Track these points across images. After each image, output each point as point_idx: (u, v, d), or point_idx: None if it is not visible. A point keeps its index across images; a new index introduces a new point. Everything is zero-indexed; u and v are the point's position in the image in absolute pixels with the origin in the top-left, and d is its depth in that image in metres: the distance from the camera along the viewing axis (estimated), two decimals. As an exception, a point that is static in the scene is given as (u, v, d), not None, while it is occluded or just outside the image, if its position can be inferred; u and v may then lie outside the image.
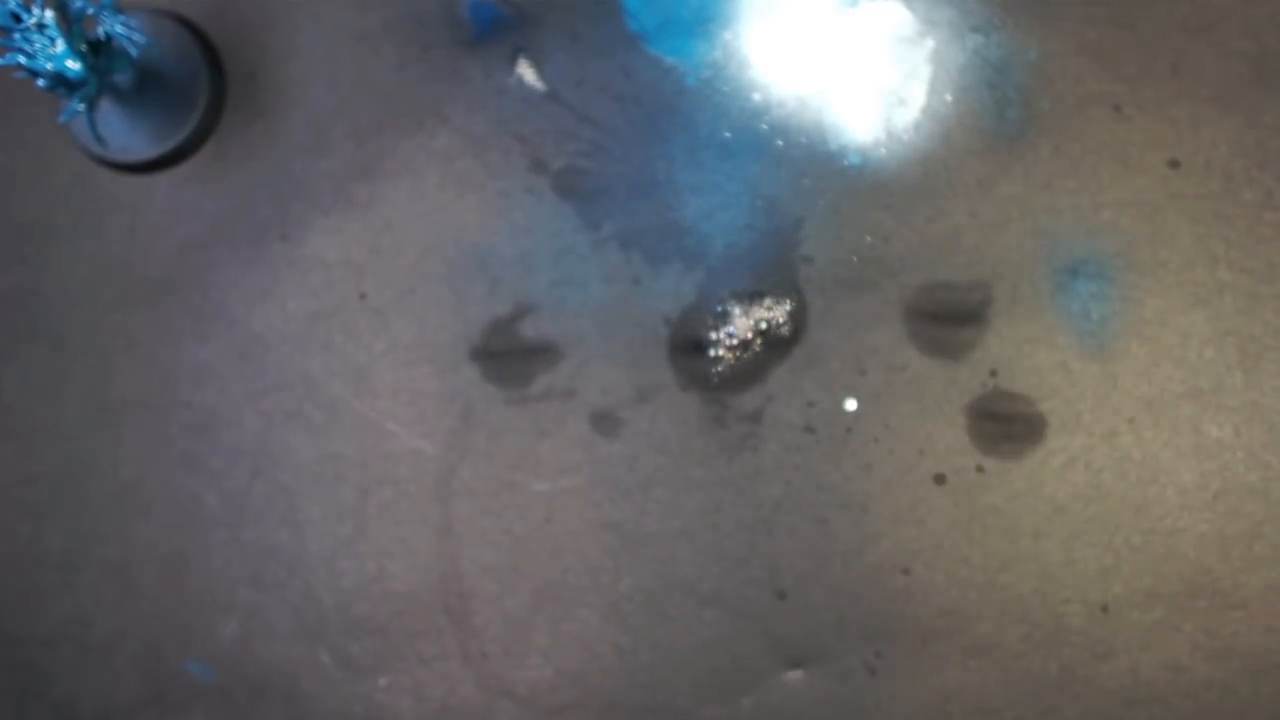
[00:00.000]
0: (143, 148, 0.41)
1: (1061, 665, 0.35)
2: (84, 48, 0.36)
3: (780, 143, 0.36)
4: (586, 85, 0.37)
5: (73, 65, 0.36)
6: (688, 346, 0.36)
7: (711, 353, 0.36)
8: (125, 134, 0.42)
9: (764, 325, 0.36)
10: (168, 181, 0.40)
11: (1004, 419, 0.35)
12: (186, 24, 0.44)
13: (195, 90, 0.42)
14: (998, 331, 0.35)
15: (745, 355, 0.36)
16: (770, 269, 0.36)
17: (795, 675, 0.36)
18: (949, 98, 0.35)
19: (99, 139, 0.38)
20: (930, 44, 0.36)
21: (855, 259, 0.36)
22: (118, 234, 0.41)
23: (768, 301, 0.36)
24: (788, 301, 0.36)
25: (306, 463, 0.41)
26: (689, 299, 0.36)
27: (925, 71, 0.36)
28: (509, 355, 0.37)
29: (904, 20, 0.36)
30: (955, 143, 0.35)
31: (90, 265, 0.40)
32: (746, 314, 0.36)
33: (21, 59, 0.35)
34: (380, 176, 0.38)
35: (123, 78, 0.38)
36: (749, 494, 0.36)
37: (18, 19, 0.35)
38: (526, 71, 0.37)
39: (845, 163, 0.36)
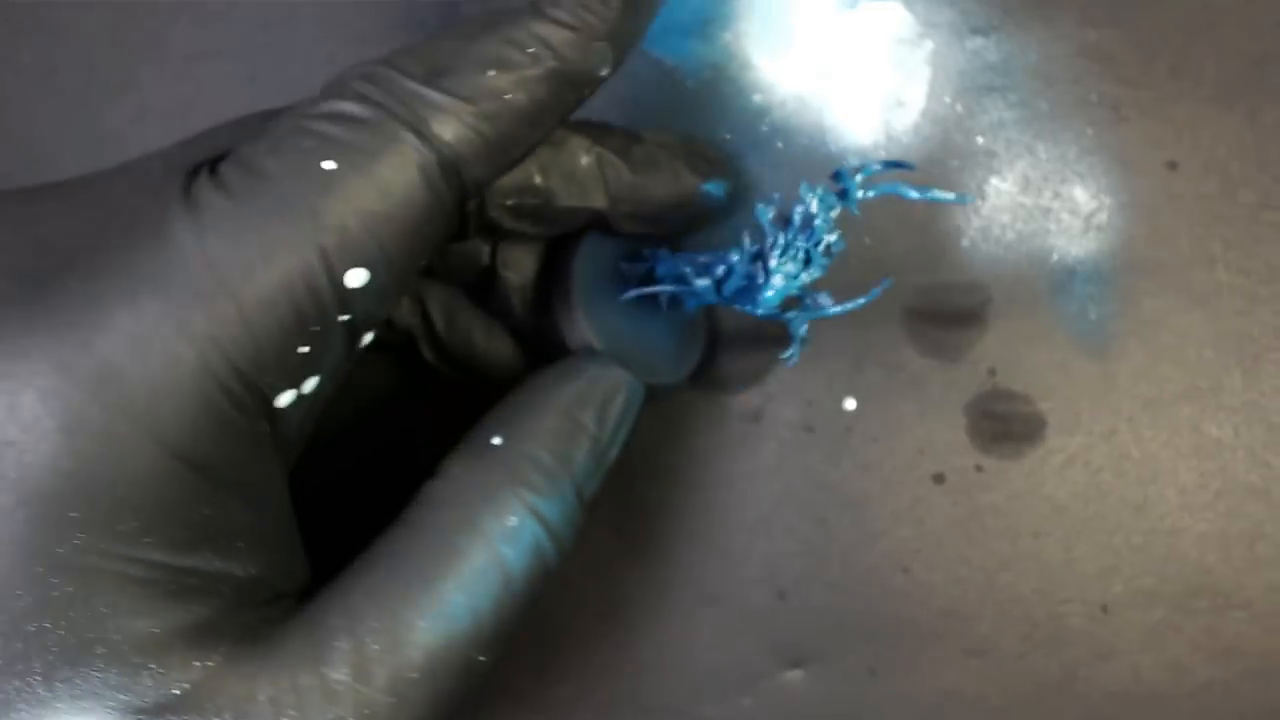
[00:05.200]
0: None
1: (1062, 665, 0.35)
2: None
3: (780, 144, 0.36)
4: (587, 87, 0.37)
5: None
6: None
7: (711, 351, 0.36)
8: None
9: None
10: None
11: (1003, 418, 0.35)
12: None
13: None
14: (996, 331, 0.35)
15: (744, 354, 0.36)
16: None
17: (795, 675, 0.36)
18: (948, 100, 0.35)
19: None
20: (930, 46, 0.36)
21: (854, 260, 0.36)
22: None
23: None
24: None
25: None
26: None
27: (925, 74, 0.36)
28: (510, 357, 0.37)
29: (904, 22, 0.36)
30: (955, 145, 0.35)
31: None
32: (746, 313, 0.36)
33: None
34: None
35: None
36: (749, 494, 0.36)
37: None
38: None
39: (845, 164, 0.36)
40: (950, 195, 0.29)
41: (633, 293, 0.31)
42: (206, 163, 0.23)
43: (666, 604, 0.36)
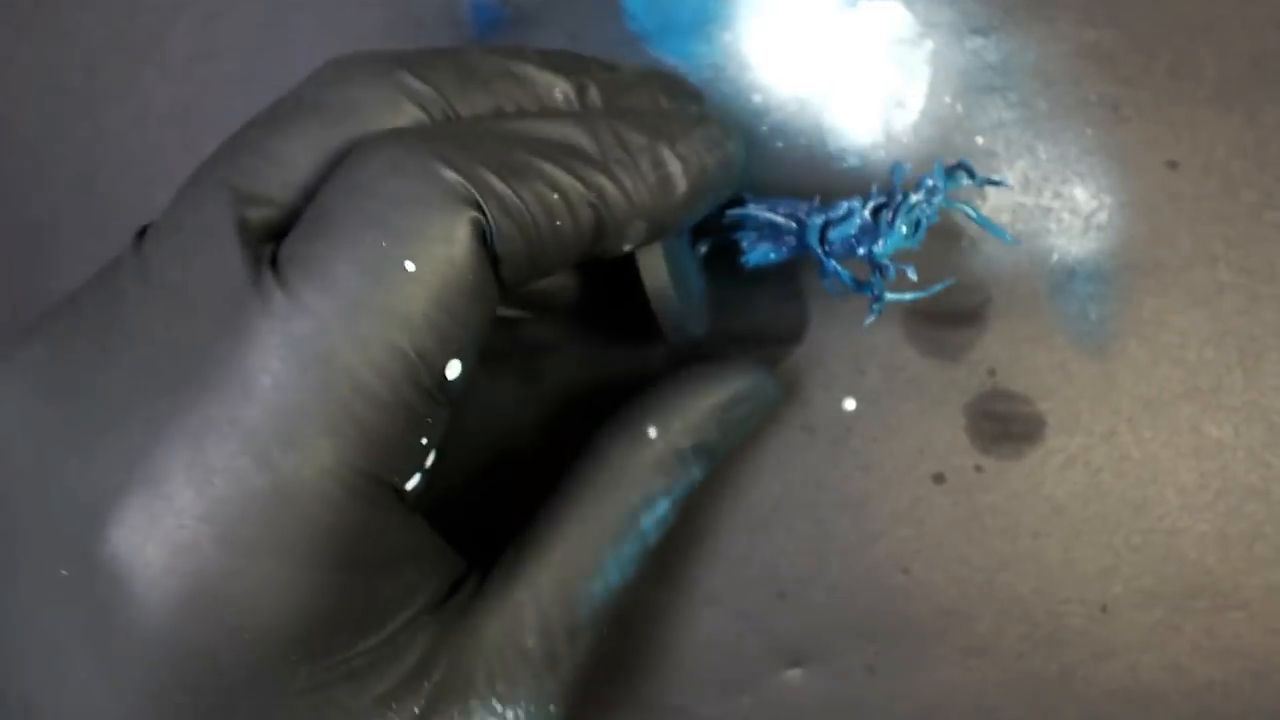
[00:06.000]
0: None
1: (1061, 665, 0.35)
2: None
3: (780, 144, 0.36)
4: (587, 87, 0.37)
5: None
6: (688, 346, 0.36)
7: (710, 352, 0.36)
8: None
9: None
10: (170, 183, 0.41)
11: (1003, 419, 0.35)
12: None
13: None
14: (996, 331, 0.35)
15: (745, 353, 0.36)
16: (769, 269, 0.36)
17: (794, 674, 0.36)
18: (948, 100, 0.35)
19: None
20: (930, 46, 0.36)
21: (854, 259, 0.36)
22: (121, 236, 0.41)
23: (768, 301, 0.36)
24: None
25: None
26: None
27: (925, 74, 0.36)
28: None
29: (904, 22, 0.36)
30: (954, 145, 0.35)
31: (94, 268, 0.41)
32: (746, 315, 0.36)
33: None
34: (382, 178, 0.38)
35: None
36: (748, 493, 0.36)
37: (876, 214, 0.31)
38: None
39: (844, 165, 0.36)
40: (1005, 234, 0.33)
41: (739, 212, 0.32)
42: (269, 255, 0.22)
43: (666, 603, 0.36)
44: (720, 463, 0.31)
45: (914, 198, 0.31)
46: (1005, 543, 0.35)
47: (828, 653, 0.35)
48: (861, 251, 0.31)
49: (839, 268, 0.31)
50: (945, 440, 0.35)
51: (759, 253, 0.33)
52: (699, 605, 0.36)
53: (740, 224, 0.33)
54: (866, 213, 0.31)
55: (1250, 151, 0.34)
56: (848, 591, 0.35)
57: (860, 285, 0.32)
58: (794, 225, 0.32)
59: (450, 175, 0.22)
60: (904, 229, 0.31)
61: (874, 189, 0.31)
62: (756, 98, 0.36)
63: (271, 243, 0.23)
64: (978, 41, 0.35)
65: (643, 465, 0.28)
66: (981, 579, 0.35)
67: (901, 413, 0.35)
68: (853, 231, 0.31)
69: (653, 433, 0.29)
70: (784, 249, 0.33)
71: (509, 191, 0.22)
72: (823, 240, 0.31)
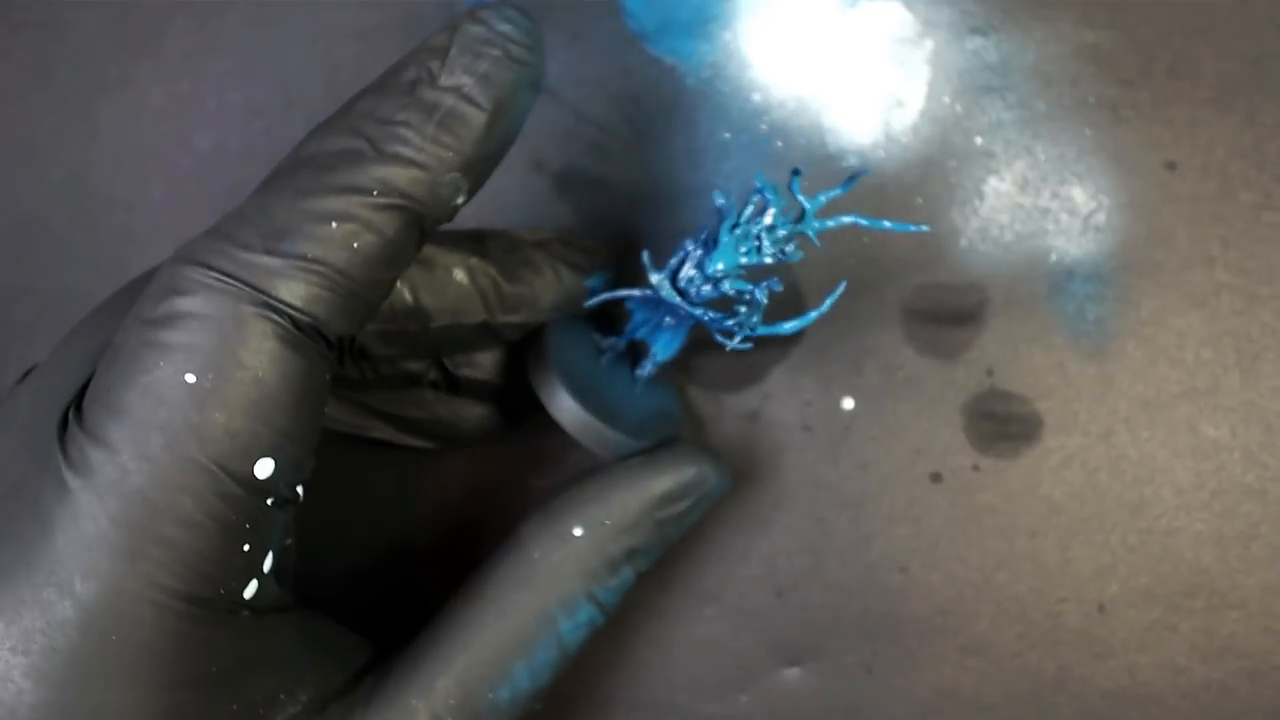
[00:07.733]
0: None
1: (1058, 664, 0.35)
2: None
3: (779, 144, 0.36)
4: (586, 85, 0.37)
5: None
6: (687, 346, 0.36)
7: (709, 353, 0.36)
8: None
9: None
10: (164, 179, 0.41)
11: (1000, 418, 0.35)
12: None
13: None
14: (994, 331, 0.35)
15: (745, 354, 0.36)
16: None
17: (793, 673, 0.36)
18: (947, 100, 0.35)
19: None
20: (929, 45, 0.36)
21: (853, 260, 0.36)
22: (114, 233, 0.41)
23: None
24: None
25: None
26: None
27: (924, 73, 0.36)
28: (508, 355, 0.37)
29: (903, 22, 0.36)
30: (953, 145, 0.35)
31: (86, 264, 0.40)
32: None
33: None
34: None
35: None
36: (746, 492, 0.36)
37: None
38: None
39: (844, 164, 0.36)
40: (908, 225, 0.30)
41: (600, 298, 0.31)
42: (73, 404, 0.22)
43: (665, 602, 0.36)
44: (660, 561, 0.29)
45: (746, 213, 0.29)
46: (1002, 542, 0.35)
47: (826, 651, 0.35)
48: (709, 283, 0.30)
49: (694, 308, 0.30)
50: (943, 440, 0.35)
51: (663, 345, 0.32)
52: (698, 604, 0.36)
53: (615, 313, 0.32)
54: (696, 246, 0.30)
55: (1249, 152, 0.34)
56: (846, 590, 0.35)
57: (730, 317, 0.30)
58: (650, 292, 0.30)
59: (209, 278, 0.21)
60: (732, 243, 0.29)
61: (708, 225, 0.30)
62: (756, 97, 0.36)
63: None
64: (977, 41, 0.35)
65: (564, 567, 0.26)
66: (979, 578, 0.35)
67: (899, 412, 0.35)
68: (693, 267, 0.30)
69: (578, 531, 0.27)
70: (673, 322, 0.32)
71: (278, 262, 0.21)
72: (680, 293, 0.30)
